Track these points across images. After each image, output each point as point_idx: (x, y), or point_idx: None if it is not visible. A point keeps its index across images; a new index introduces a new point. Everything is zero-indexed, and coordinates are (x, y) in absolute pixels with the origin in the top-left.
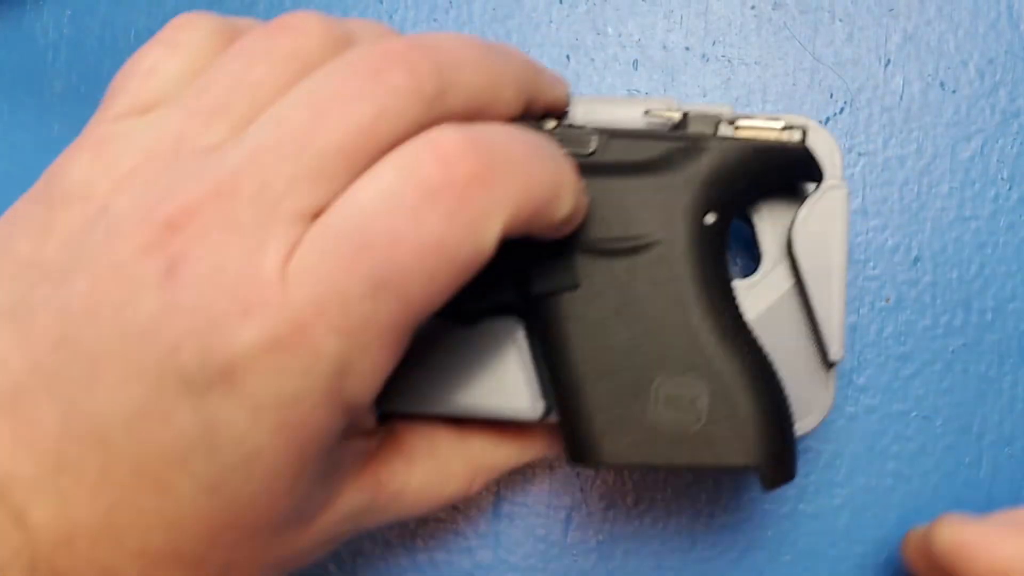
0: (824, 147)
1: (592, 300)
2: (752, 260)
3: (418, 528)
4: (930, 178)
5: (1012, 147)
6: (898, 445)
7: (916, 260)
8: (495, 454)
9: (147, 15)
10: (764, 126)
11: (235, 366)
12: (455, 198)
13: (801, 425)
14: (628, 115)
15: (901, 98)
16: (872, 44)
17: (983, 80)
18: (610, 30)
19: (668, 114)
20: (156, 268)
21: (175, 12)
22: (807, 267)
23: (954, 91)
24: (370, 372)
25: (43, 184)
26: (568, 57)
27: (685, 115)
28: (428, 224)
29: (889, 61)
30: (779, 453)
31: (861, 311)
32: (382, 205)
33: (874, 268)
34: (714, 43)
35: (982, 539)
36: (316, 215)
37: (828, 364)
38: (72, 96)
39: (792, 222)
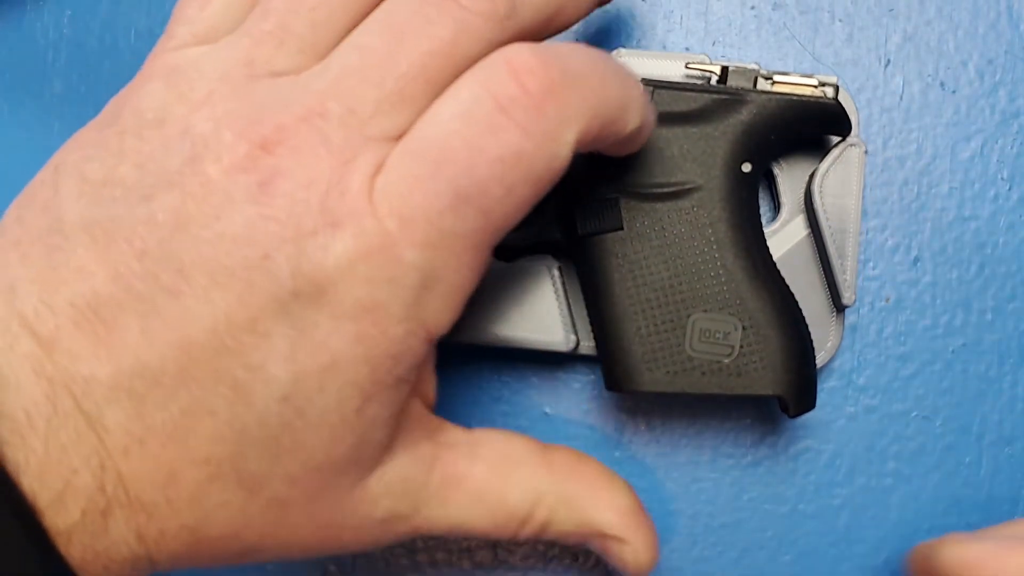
0: (844, 106)
1: (635, 241)
2: (770, 210)
3: None
4: (930, 178)
5: (1012, 147)
6: (898, 445)
7: (916, 260)
8: (573, 485)
9: (147, 15)
10: (800, 82)
11: (324, 275)
12: (530, 110)
13: None
14: (670, 69)
15: (901, 98)
16: (872, 44)
17: (983, 80)
18: (611, 30)
19: (708, 68)
20: (248, 183)
21: None
22: (824, 218)
23: (954, 91)
24: (449, 290)
25: (111, 113)
26: None
27: (725, 69)
28: (505, 136)
29: (889, 61)
30: (803, 384)
31: (861, 311)
32: (461, 121)
33: (874, 268)
34: (714, 43)
35: (987, 556)
36: (399, 137)
37: (839, 308)
38: (72, 96)
39: (811, 176)
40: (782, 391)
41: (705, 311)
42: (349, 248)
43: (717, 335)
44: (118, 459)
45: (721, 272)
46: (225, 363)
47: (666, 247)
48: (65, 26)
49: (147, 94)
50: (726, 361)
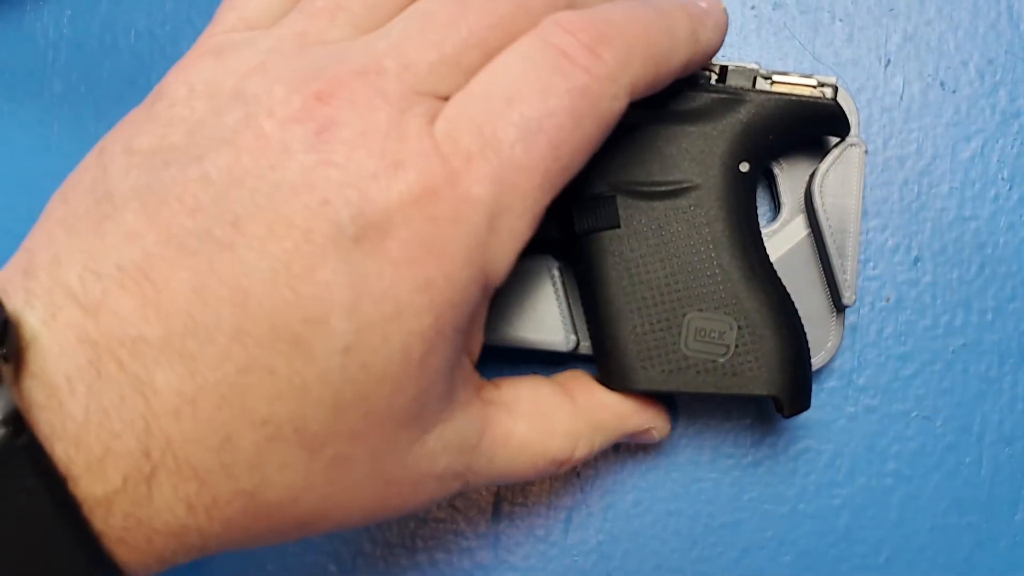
0: (844, 106)
1: (631, 239)
2: (770, 210)
3: (418, 528)
4: (930, 178)
5: (1012, 147)
6: (898, 445)
7: (916, 260)
8: (600, 414)
9: (147, 15)
10: (799, 82)
11: (387, 216)
12: (589, 55)
13: (813, 361)
14: None
15: (901, 98)
16: (872, 44)
17: (983, 80)
18: None
19: (707, 67)
20: (305, 132)
21: (175, 12)
22: (824, 218)
23: (954, 91)
24: (512, 233)
25: (157, 93)
26: None
27: (724, 68)
28: (572, 73)
29: (889, 61)
30: (798, 385)
31: (861, 311)
32: (528, 63)
33: (874, 268)
34: None
35: None
36: (448, 98)
37: (839, 308)
38: (72, 96)
39: (812, 176)
40: (777, 391)
41: (701, 310)
42: (413, 186)
43: (712, 335)
44: (166, 422)
45: (717, 271)
46: (283, 317)
47: (663, 246)
48: (65, 26)
49: (197, 70)
50: (721, 360)
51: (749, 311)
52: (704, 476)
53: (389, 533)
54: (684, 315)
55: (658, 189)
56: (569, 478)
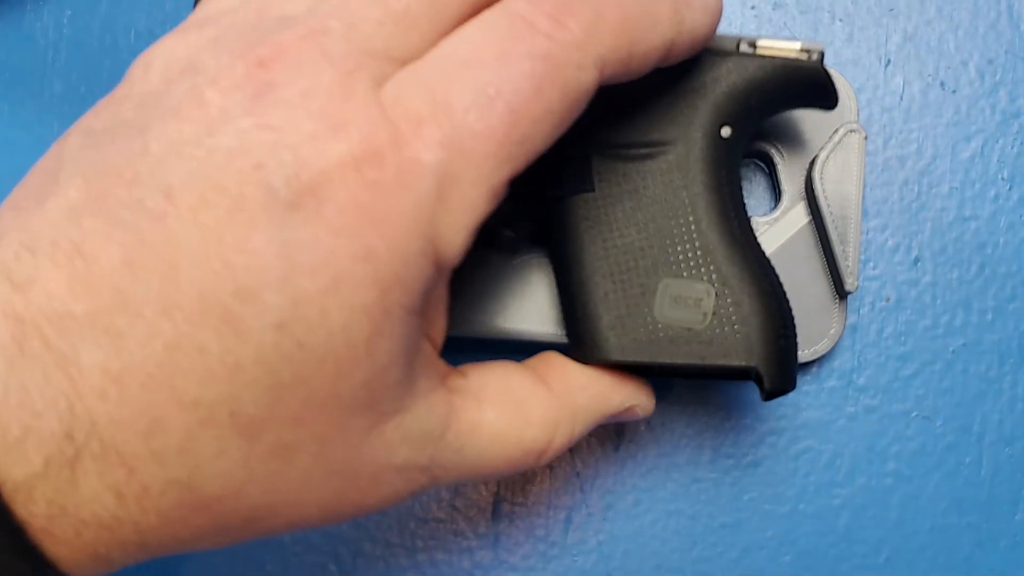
0: (841, 92)
1: (606, 202)
2: (771, 199)
3: (418, 528)
4: (930, 178)
5: (1012, 147)
6: (898, 445)
7: (916, 260)
8: (578, 398)
9: (147, 15)
10: (782, 45)
11: (324, 179)
12: (554, 23)
13: (816, 349)
14: None
15: (901, 98)
16: (872, 44)
17: (983, 80)
18: None
19: None
20: (243, 96)
21: (175, 12)
22: (825, 205)
23: (954, 91)
24: (465, 205)
25: (124, 77)
26: None
27: None
28: (534, 39)
29: (889, 61)
30: (780, 359)
31: (861, 311)
32: (488, 29)
33: (874, 268)
34: None
35: None
36: (405, 62)
37: (841, 295)
38: (72, 96)
39: (811, 163)
40: (756, 362)
41: (677, 276)
42: (354, 147)
43: (688, 301)
44: (92, 403)
45: (695, 236)
46: (213, 290)
47: (639, 210)
48: (65, 26)
49: (158, 50)
50: (698, 328)
51: (728, 277)
52: (704, 476)
53: (389, 533)
54: (659, 281)
55: (635, 152)
56: (569, 478)
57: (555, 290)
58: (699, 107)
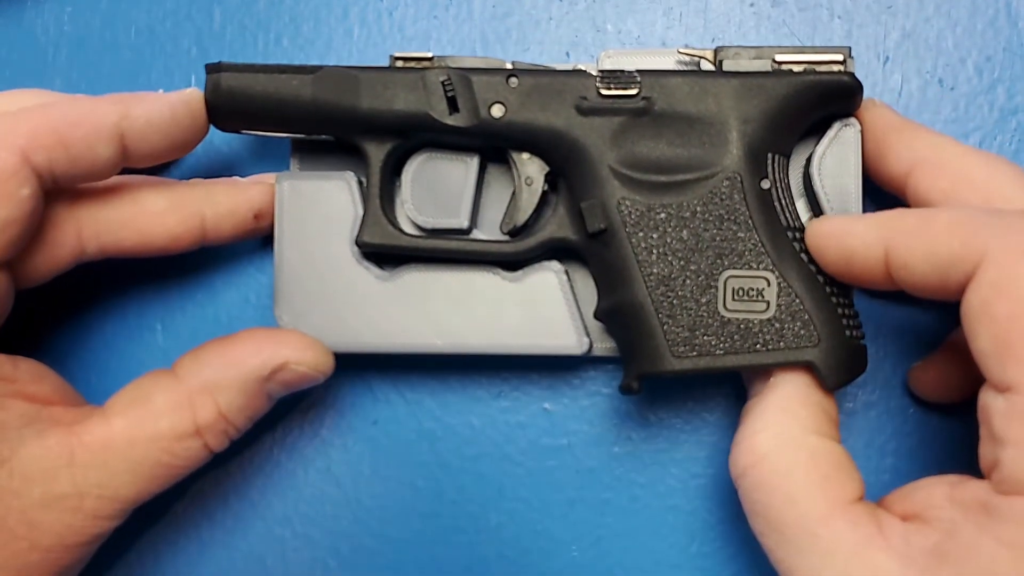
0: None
1: (649, 226)
2: None
3: (418, 524)
4: None
5: (1010, 144)
6: (896, 441)
7: None
8: (205, 371)
9: (147, 13)
10: (814, 59)
11: None
12: None
13: None
14: (662, 61)
15: (899, 95)
16: (870, 41)
17: (981, 77)
18: (609, 27)
19: (696, 53)
20: None
21: (175, 9)
22: (825, 200)
23: (952, 88)
24: None
25: None
26: (568, 54)
27: (716, 51)
28: None
29: (887, 58)
30: (844, 346)
31: (861, 309)
32: None
33: None
34: (713, 40)
35: (839, 222)
36: None
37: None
38: (73, 93)
39: (808, 159)
40: (823, 349)
41: (737, 269)
42: None
43: (752, 292)
44: None
45: (753, 236)
46: None
47: (684, 225)
48: (65, 23)
49: None
50: (762, 318)
51: (786, 269)
52: (702, 472)
53: (389, 528)
54: (720, 275)
55: (668, 179)
56: (566, 471)
57: (564, 300)
58: (736, 128)
